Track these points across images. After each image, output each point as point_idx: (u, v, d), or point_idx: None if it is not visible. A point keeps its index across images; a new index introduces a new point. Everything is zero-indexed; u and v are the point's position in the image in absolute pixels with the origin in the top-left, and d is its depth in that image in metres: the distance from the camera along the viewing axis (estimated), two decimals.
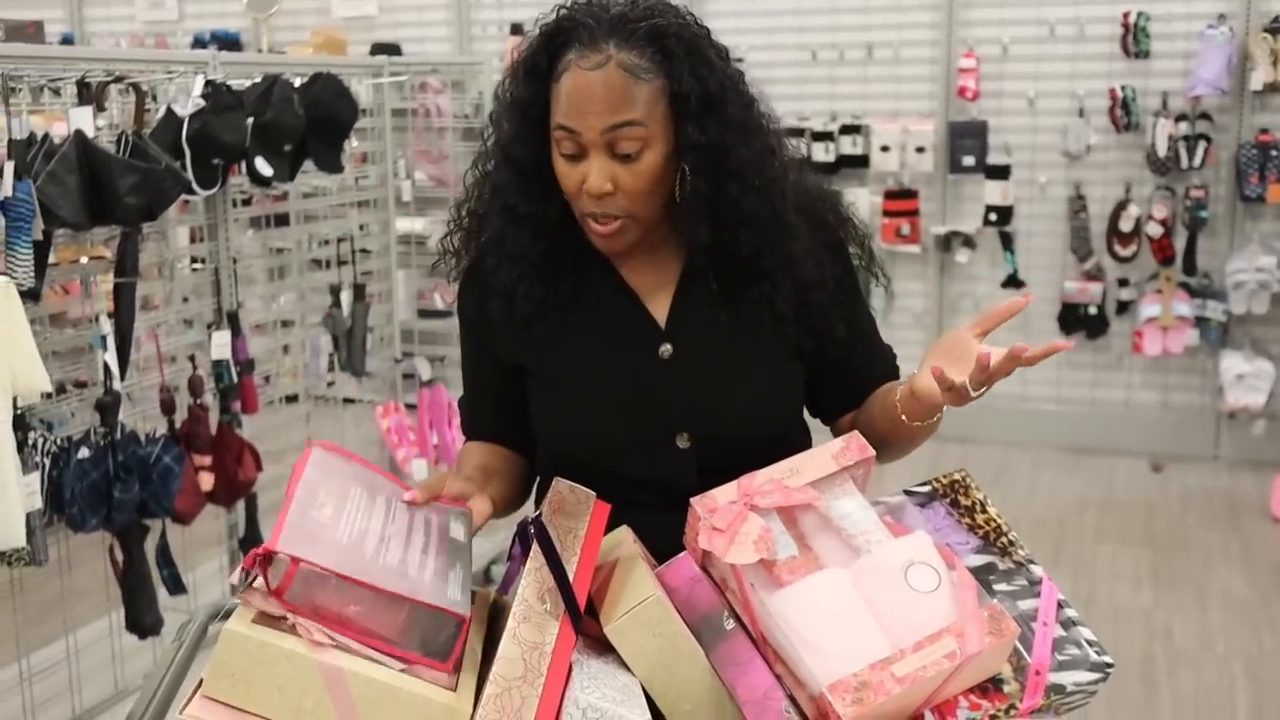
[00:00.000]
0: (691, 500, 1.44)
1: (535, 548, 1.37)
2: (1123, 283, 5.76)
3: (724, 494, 1.43)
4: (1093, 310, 5.79)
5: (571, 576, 1.36)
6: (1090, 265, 5.78)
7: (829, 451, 1.52)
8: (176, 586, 3.23)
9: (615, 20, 1.52)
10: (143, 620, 3.11)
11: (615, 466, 1.64)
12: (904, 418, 1.60)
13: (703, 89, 1.52)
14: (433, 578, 1.32)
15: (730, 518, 1.41)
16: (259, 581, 1.26)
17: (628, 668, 1.35)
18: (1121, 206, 5.67)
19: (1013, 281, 5.91)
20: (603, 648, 1.37)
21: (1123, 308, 5.78)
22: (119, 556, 3.14)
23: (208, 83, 3.36)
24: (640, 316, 1.67)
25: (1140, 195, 5.67)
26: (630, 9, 1.54)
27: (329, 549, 1.27)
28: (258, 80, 3.61)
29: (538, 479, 1.80)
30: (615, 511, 1.52)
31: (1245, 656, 3.83)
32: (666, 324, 1.67)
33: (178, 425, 3.34)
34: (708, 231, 1.59)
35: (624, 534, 1.53)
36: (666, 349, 1.66)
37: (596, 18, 1.53)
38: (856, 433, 1.54)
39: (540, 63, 1.55)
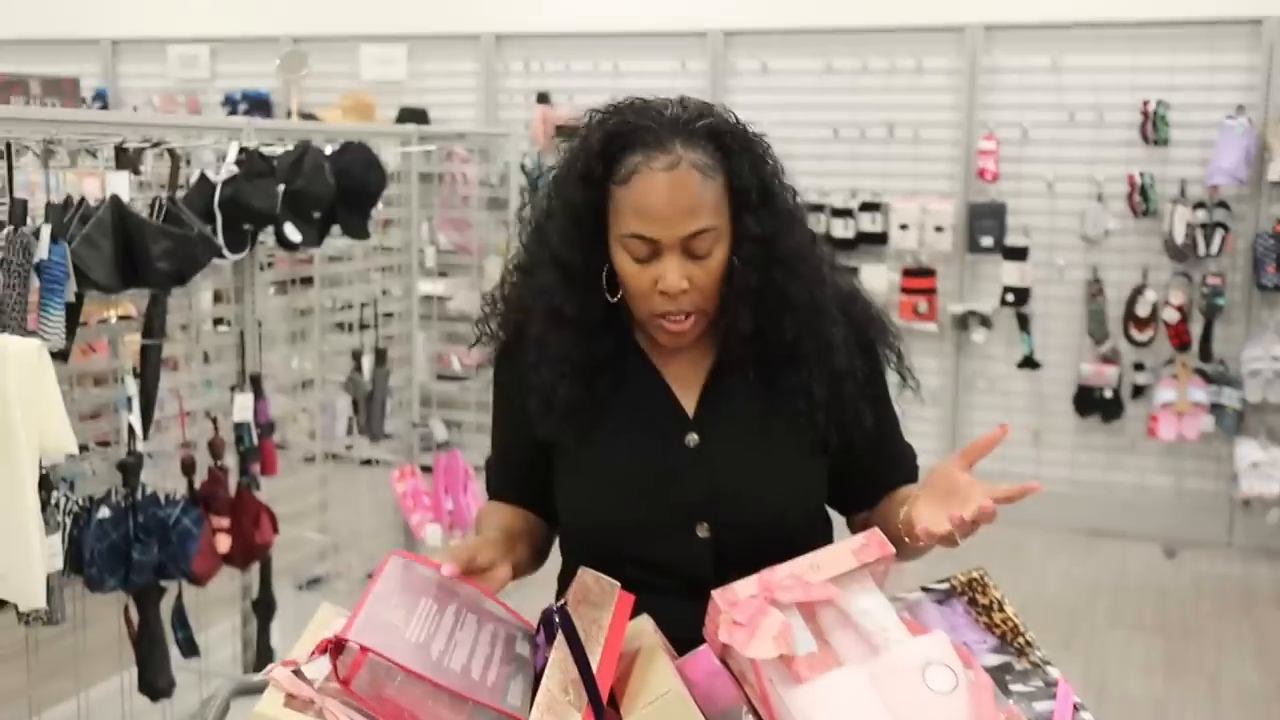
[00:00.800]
0: (713, 593, 1.45)
1: (560, 638, 1.39)
2: (1138, 367, 5.78)
3: (745, 588, 1.45)
4: (1108, 393, 5.81)
5: (595, 667, 1.37)
6: (1106, 348, 5.81)
7: (849, 547, 1.54)
8: (190, 649, 3.24)
9: (674, 121, 1.56)
10: (155, 682, 3.11)
11: (634, 551, 1.66)
12: (906, 540, 1.61)
13: (761, 183, 1.58)
14: (495, 681, 1.34)
15: (751, 611, 1.43)
16: (324, 668, 1.28)
17: None
18: (1138, 291, 5.70)
19: (1029, 362, 5.93)
20: None
21: (1138, 392, 5.79)
22: (134, 617, 3.15)
23: (241, 149, 3.42)
24: (670, 404, 1.70)
25: (1157, 281, 5.71)
26: (683, 110, 1.59)
27: (398, 645, 1.30)
28: (290, 147, 3.67)
29: (558, 545, 1.83)
30: (630, 594, 1.53)
31: None
32: (695, 413, 1.69)
33: (197, 486, 3.36)
34: (751, 320, 1.62)
35: (645, 623, 1.55)
36: (693, 438, 1.68)
37: (656, 120, 1.56)
38: (877, 529, 1.56)
39: (596, 168, 1.58)
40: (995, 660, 1.58)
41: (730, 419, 1.69)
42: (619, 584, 1.52)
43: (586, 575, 1.51)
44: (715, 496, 1.66)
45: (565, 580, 1.78)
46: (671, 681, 1.38)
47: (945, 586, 1.65)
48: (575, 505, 1.73)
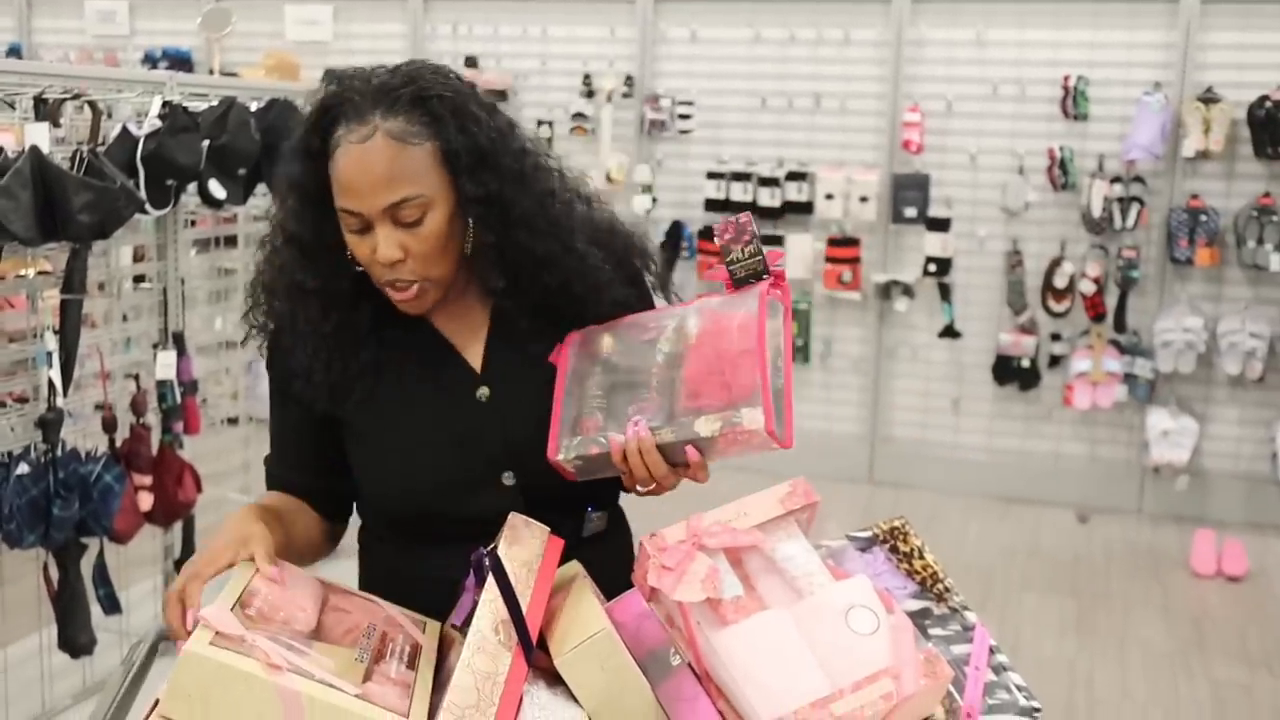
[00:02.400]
0: (641, 539, 1.49)
1: (490, 580, 1.41)
2: (1055, 337, 5.90)
3: (672, 533, 1.48)
4: (1025, 363, 5.92)
5: (525, 609, 1.39)
6: (1025, 319, 5.92)
7: (775, 495, 1.57)
8: (112, 606, 3.21)
9: (378, 90, 1.55)
10: (76, 639, 3.09)
11: (445, 508, 1.68)
12: None
13: (472, 144, 1.56)
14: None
15: (679, 557, 1.45)
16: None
17: (576, 700, 1.38)
18: (1056, 263, 5.81)
19: (949, 332, 6.02)
20: (553, 679, 1.41)
21: (1054, 361, 5.92)
22: (53, 574, 3.12)
23: (165, 104, 3.37)
24: (456, 363, 1.70)
25: (1074, 253, 5.82)
26: (391, 77, 1.58)
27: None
28: (214, 103, 3.63)
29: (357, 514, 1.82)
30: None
31: (1163, 705, 3.93)
32: (482, 367, 1.70)
33: (119, 444, 3.32)
34: (501, 277, 1.63)
35: (575, 568, 1.57)
36: (484, 391, 1.69)
37: (360, 91, 1.56)
38: (803, 479, 1.60)
39: (313, 142, 1.57)
40: (915, 605, 1.63)
41: (517, 368, 1.69)
42: (549, 529, 1.54)
43: (516, 519, 1.53)
44: (514, 445, 1.67)
45: (370, 546, 1.79)
46: (601, 622, 1.40)
47: (868, 534, 1.70)
48: (377, 475, 1.71)
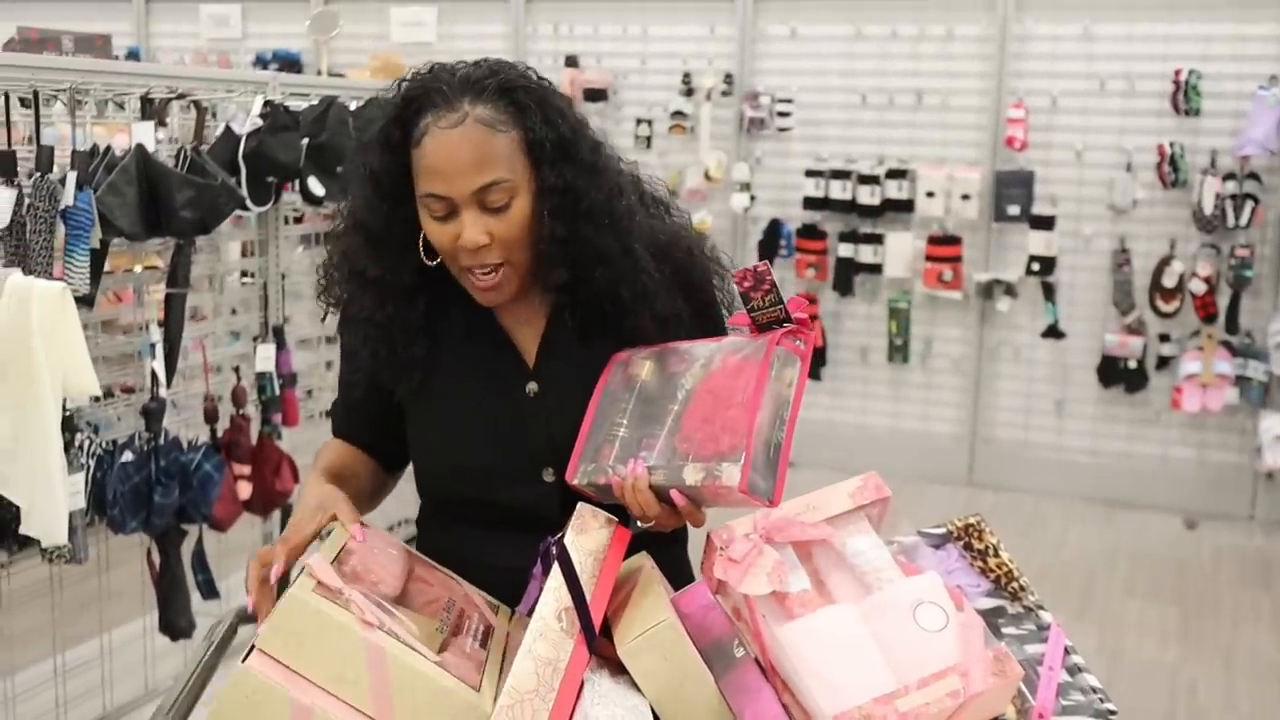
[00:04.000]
0: (709, 531, 1.48)
1: (555, 568, 1.42)
2: (1164, 338, 5.76)
3: (741, 526, 1.48)
4: (1133, 364, 5.79)
5: (589, 598, 1.40)
6: (1132, 319, 5.78)
7: (846, 489, 1.56)
8: (210, 591, 3.29)
9: (464, 80, 1.59)
10: (176, 623, 3.18)
11: (484, 496, 1.72)
12: None
13: (555, 135, 1.60)
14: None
15: (746, 550, 1.45)
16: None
17: (639, 689, 1.39)
18: (1165, 262, 5.67)
19: (1053, 332, 5.91)
20: (616, 668, 1.42)
21: (1163, 363, 5.77)
22: (155, 559, 3.21)
23: (266, 103, 3.45)
24: (509, 355, 1.73)
25: (1184, 252, 5.67)
26: (474, 69, 1.61)
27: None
28: (315, 102, 3.70)
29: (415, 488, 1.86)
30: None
31: (1269, 719, 3.81)
32: (534, 362, 1.73)
33: (219, 434, 3.41)
34: (564, 272, 1.65)
35: (643, 559, 1.58)
36: (533, 387, 1.72)
37: (446, 81, 1.59)
38: (874, 473, 1.58)
39: (394, 134, 1.61)
40: (989, 604, 1.60)
41: (566, 367, 1.72)
42: (616, 519, 1.54)
43: (585, 509, 1.54)
44: (557, 443, 1.68)
45: (424, 524, 1.86)
46: (665, 612, 1.40)
47: (941, 531, 1.67)
48: (425, 455, 1.77)
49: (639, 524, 1.56)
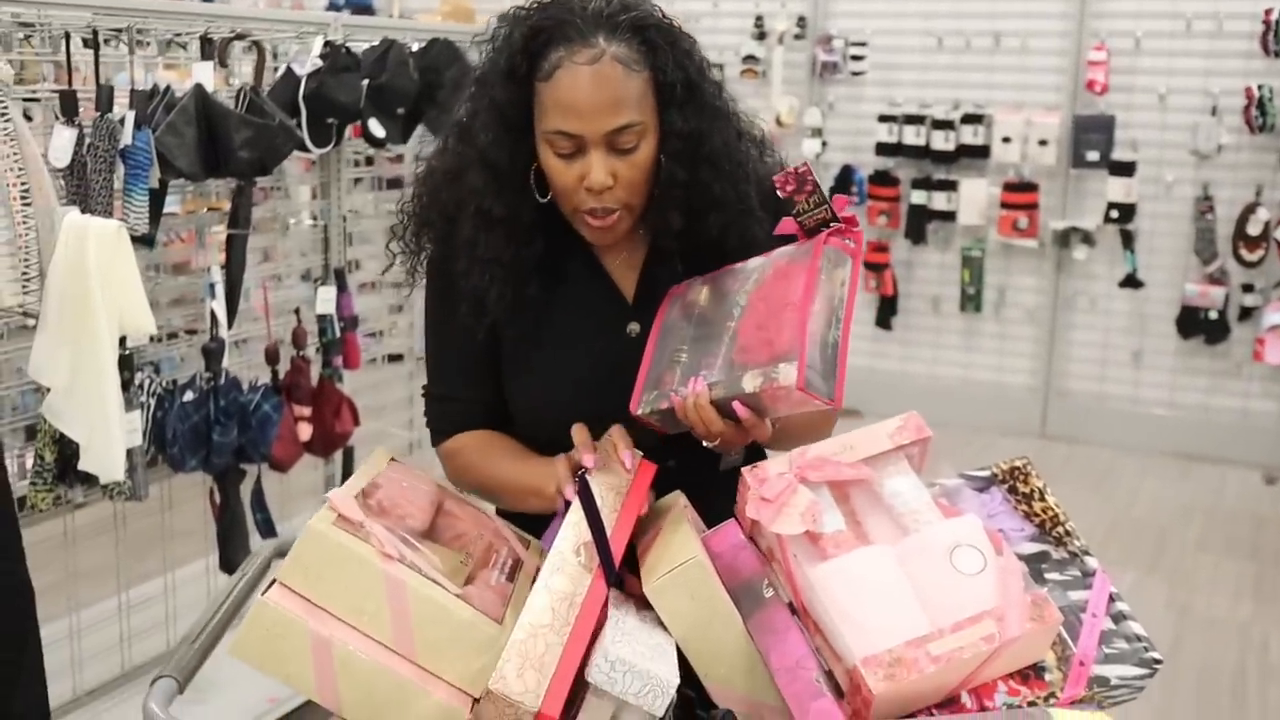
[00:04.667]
0: (743, 470, 1.45)
1: (575, 501, 1.40)
2: (1247, 288, 5.59)
3: (775, 465, 1.44)
4: (1214, 315, 5.63)
5: (609, 532, 1.38)
6: (1214, 268, 5.62)
7: (885, 430, 1.52)
8: (269, 530, 3.33)
9: (597, 15, 1.53)
10: (235, 560, 3.21)
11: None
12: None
13: (686, 77, 1.55)
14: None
15: (780, 489, 1.42)
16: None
17: (665, 627, 1.37)
18: (1250, 210, 5.50)
19: (1131, 281, 5.77)
20: (642, 605, 1.40)
21: (1245, 314, 5.61)
22: (217, 499, 3.25)
23: (326, 43, 3.44)
24: (611, 296, 1.69)
25: (1271, 199, 5.50)
26: (605, 4, 1.55)
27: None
28: (378, 44, 3.68)
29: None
30: (653, 463, 1.53)
31: None
32: (634, 302, 1.69)
33: (281, 376, 3.43)
34: (680, 217, 1.60)
35: (676, 498, 1.55)
36: (635, 327, 1.69)
37: (580, 15, 1.53)
38: (915, 413, 1.54)
39: (520, 65, 1.54)
40: (1032, 549, 1.55)
41: None
42: (642, 453, 1.52)
43: (608, 443, 1.52)
44: None
45: None
46: (692, 550, 1.38)
47: (986, 474, 1.63)
48: (526, 401, 1.71)
49: (707, 445, 1.52)
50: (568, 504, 1.43)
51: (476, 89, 1.62)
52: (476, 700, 1.30)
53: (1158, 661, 1.45)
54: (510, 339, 1.70)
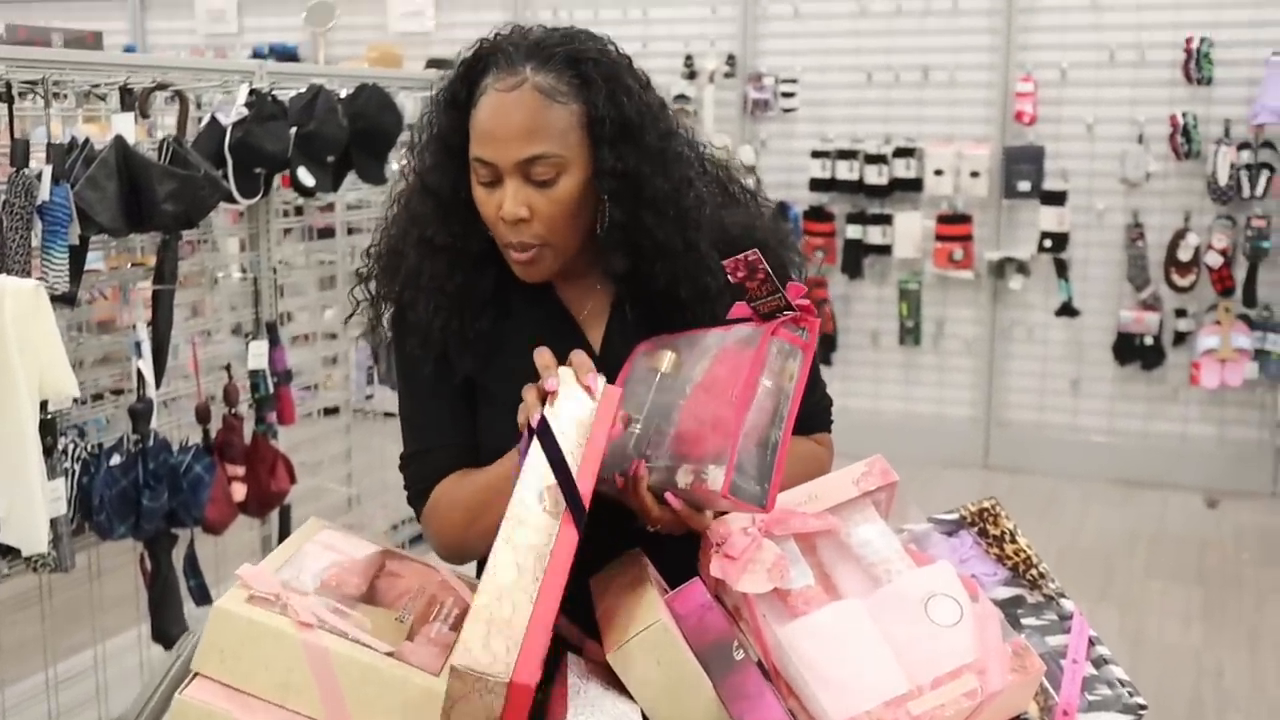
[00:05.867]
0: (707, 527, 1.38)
1: (534, 443, 1.31)
2: (1180, 313, 5.64)
3: (739, 520, 1.38)
4: (1149, 340, 5.67)
5: (575, 469, 1.29)
6: (1147, 294, 5.67)
7: (850, 476, 1.46)
8: (203, 597, 3.20)
9: (533, 45, 1.51)
10: (168, 630, 3.08)
11: None
12: None
13: (620, 115, 1.50)
14: None
15: (744, 545, 1.35)
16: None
17: (630, 696, 1.29)
18: (1180, 235, 5.55)
19: (1067, 309, 5.80)
20: (606, 674, 1.32)
21: (1180, 338, 5.65)
22: (148, 565, 3.13)
23: (252, 91, 3.36)
24: (578, 343, 1.60)
25: (1200, 224, 5.55)
26: (549, 34, 1.53)
27: None
28: (304, 90, 3.60)
29: None
30: (617, 387, 1.45)
31: None
32: (601, 351, 1.62)
33: (212, 435, 3.32)
34: (624, 261, 1.56)
35: (636, 556, 1.48)
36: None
37: (515, 43, 1.51)
38: (880, 457, 1.48)
39: (459, 92, 1.54)
40: (1006, 593, 1.50)
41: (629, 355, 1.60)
42: (605, 377, 1.43)
43: (567, 373, 1.42)
44: None
45: None
46: (658, 613, 1.30)
47: (954, 517, 1.58)
48: (492, 439, 1.62)
49: (649, 528, 1.44)
50: (532, 432, 1.34)
51: (426, 119, 1.60)
52: None
53: (1142, 707, 1.41)
54: (478, 376, 1.63)
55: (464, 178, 1.55)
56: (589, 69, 1.50)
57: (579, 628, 1.43)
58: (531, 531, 1.22)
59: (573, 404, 1.37)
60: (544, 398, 1.38)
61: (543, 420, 1.32)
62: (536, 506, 1.25)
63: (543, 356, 1.44)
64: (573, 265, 1.59)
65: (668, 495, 1.37)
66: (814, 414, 1.76)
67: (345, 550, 1.45)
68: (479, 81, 1.51)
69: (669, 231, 1.55)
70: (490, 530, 1.25)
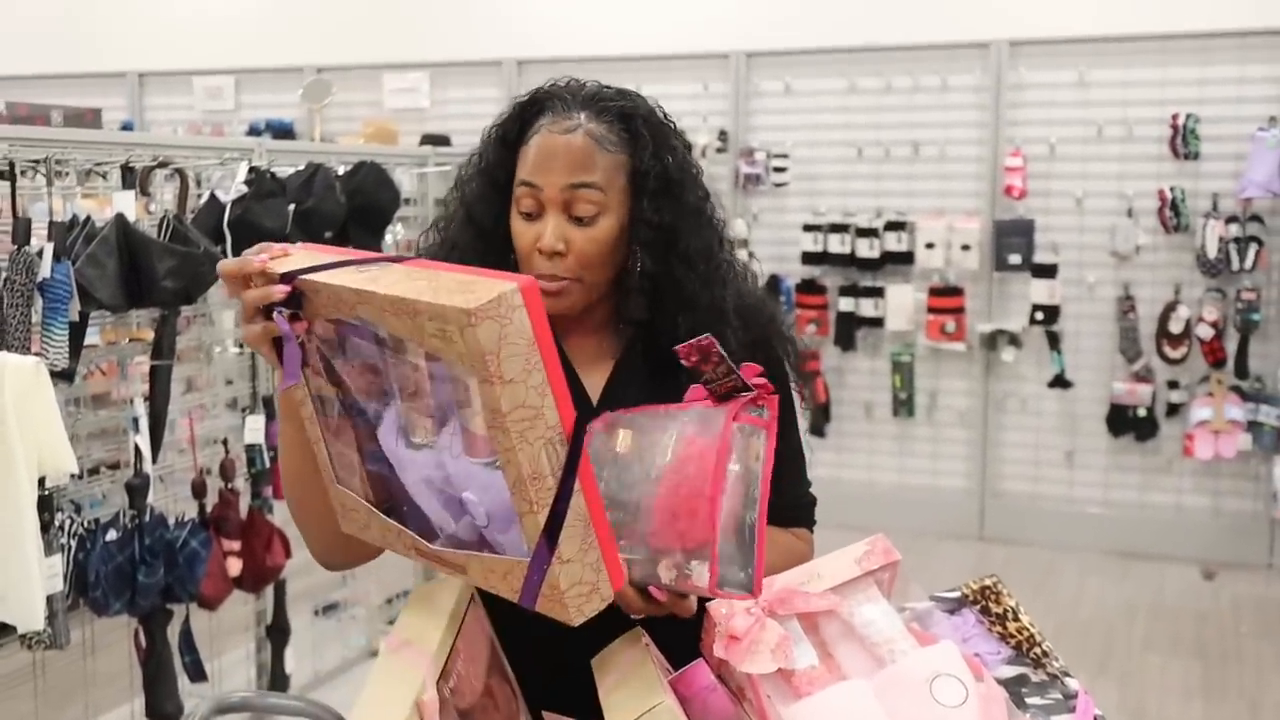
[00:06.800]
0: (708, 606, 1.38)
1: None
2: (1173, 385, 5.67)
3: (741, 600, 1.38)
4: (1142, 412, 5.69)
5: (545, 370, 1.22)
6: (1139, 366, 5.70)
7: (852, 555, 1.46)
8: (198, 674, 3.18)
9: (589, 96, 1.59)
10: (163, 707, 3.06)
11: None
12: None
13: (663, 170, 1.57)
14: None
15: (747, 625, 1.35)
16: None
17: None
18: (1171, 308, 5.59)
19: (1060, 381, 5.82)
20: None
21: (1173, 410, 5.68)
22: (142, 642, 3.11)
23: (251, 169, 3.39)
24: (576, 393, 1.61)
25: (1190, 297, 5.60)
26: (603, 89, 1.61)
27: None
28: (303, 168, 3.64)
29: None
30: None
31: None
32: (599, 400, 1.64)
33: (208, 509, 3.31)
34: (644, 308, 1.60)
35: (638, 636, 1.48)
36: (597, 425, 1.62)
37: (572, 92, 1.59)
38: (882, 535, 1.49)
39: (511, 130, 1.60)
40: (1010, 672, 1.50)
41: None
42: (516, 284, 1.22)
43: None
44: None
45: None
46: (660, 695, 1.30)
47: (956, 595, 1.57)
48: None
49: (632, 615, 1.44)
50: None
51: (476, 157, 1.66)
52: None
53: None
54: None
55: (505, 212, 1.59)
56: (638, 125, 1.56)
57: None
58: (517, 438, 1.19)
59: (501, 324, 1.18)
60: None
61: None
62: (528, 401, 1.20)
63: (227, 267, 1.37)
64: (585, 314, 1.62)
65: (652, 590, 1.37)
66: (796, 509, 1.78)
67: (477, 641, 1.42)
68: (532, 122, 1.57)
69: (697, 286, 1.60)
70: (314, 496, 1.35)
